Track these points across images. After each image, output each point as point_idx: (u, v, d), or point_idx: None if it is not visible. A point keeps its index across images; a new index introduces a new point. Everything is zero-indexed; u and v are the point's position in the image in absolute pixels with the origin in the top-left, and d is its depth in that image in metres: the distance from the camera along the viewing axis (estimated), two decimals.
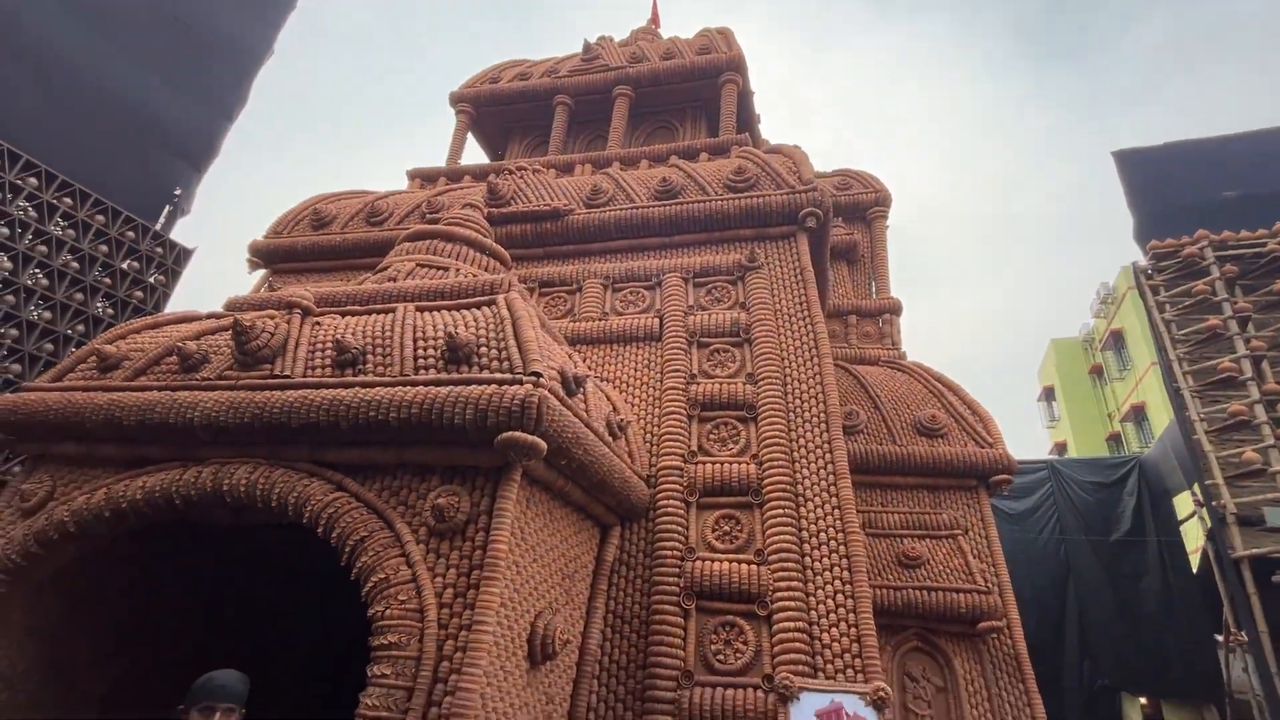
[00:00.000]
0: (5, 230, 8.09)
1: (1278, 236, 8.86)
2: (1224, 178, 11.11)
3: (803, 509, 4.01)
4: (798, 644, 3.51)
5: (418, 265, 4.47)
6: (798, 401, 4.48)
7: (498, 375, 2.96)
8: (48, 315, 8.45)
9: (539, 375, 2.93)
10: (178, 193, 10.75)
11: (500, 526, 2.75)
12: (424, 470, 2.97)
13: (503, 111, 8.15)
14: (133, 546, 3.61)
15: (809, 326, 4.84)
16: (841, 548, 3.84)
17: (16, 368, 7.95)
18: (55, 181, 8.64)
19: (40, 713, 3.25)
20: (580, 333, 5.09)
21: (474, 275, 4.27)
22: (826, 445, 4.26)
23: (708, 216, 5.50)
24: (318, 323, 3.51)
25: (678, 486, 4.17)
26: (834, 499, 4.02)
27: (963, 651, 4.81)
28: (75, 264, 8.74)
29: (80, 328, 8.70)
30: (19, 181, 8.28)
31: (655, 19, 9.78)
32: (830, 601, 3.67)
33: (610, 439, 3.63)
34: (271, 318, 3.48)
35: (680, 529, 4.02)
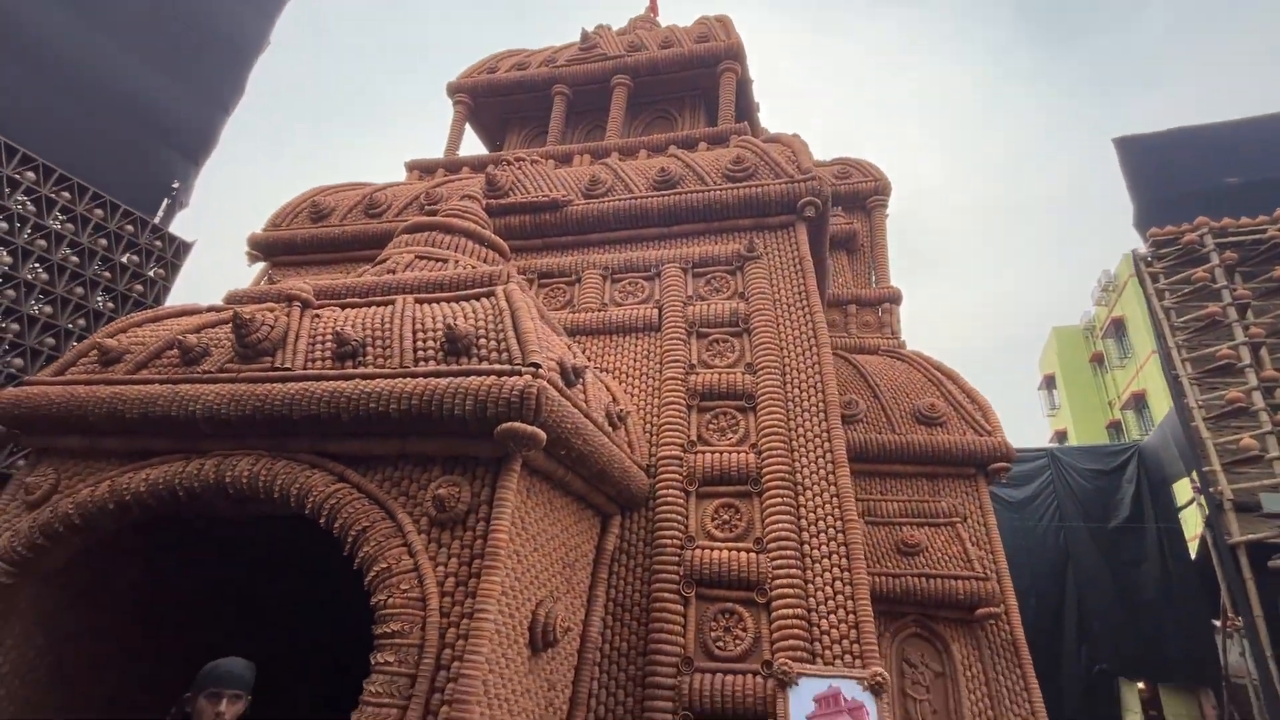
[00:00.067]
0: (4, 225, 8.10)
1: (1278, 223, 8.84)
2: (1226, 164, 11.08)
3: (801, 497, 4.04)
4: (796, 630, 3.55)
5: (416, 257, 4.48)
6: (797, 391, 4.50)
7: (497, 366, 2.98)
8: (48, 310, 8.47)
9: (538, 366, 2.94)
10: (176, 186, 10.74)
11: (501, 516, 2.78)
12: (425, 461, 3.00)
13: (501, 102, 8.13)
14: (138, 540, 3.64)
15: (808, 316, 4.85)
16: (840, 535, 3.87)
17: (19, 362, 7.98)
18: (53, 175, 8.63)
19: (47, 705, 3.30)
20: (579, 324, 5.10)
21: (473, 267, 4.29)
22: (825, 434, 4.28)
23: (706, 206, 5.49)
24: (317, 315, 3.53)
25: (677, 476, 4.20)
26: (832, 487, 4.05)
27: (961, 638, 4.85)
28: (75, 258, 8.74)
29: (81, 322, 8.72)
30: (17, 176, 8.27)
31: (654, 6, 9.71)
32: (829, 589, 3.70)
33: (610, 429, 3.66)
34: (271, 310, 3.49)
35: (680, 518, 4.05)
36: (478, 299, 3.54)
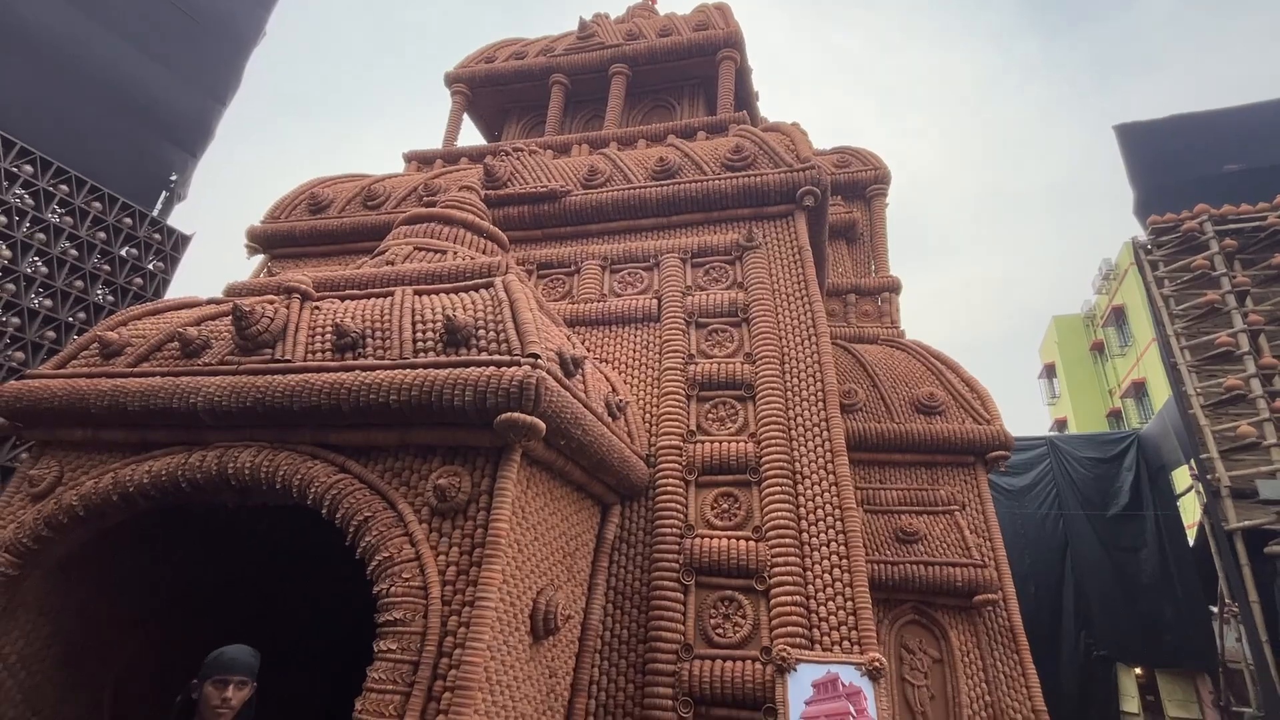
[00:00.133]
0: (3, 219, 8.09)
1: (1279, 209, 8.82)
2: (1227, 150, 11.04)
3: (800, 486, 4.06)
4: (795, 617, 3.58)
5: (415, 249, 4.48)
6: (795, 380, 4.51)
7: (496, 357, 2.99)
8: (49, 303, 8.48)
9: (537, 357, 2.96)
10: (173, 178, 10.71)
11: (501, 506, 2.80)
12: (425, 451, 3.02)
13: (499, 92, 8.09)
14: (145, 530, 3.67)
15: (807, 306, 4.85)
16: (838, 523, 3.90)
17: (20, 355, 7.99)
18: (51, 168, 8.61)
19: (54, 692, 3.34)
20: (579, 315, 5.11)
21: (471, 258, 4.29)
22: (824, 423, 4.30)
23: (705, 196, 5.49)
24: (317, 307, 3.54)
25: (677, 465, 4.22)
26: (831, 476, 4.07)
27: (959, 624, 4.89)
28: (74, 251, 8.74)
29: (81, 315, 8.73)
30: (14, 169, 8.25)
31: None
32: (827, 576, 3.73)
33: (609, 419, 3.67)
34: (271, 303, 3.50)
35: (679, 507, 4.08)
36: (477, 290, 3.55)
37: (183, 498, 3.22)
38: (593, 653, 3.56)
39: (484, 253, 4.71)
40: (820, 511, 3.95)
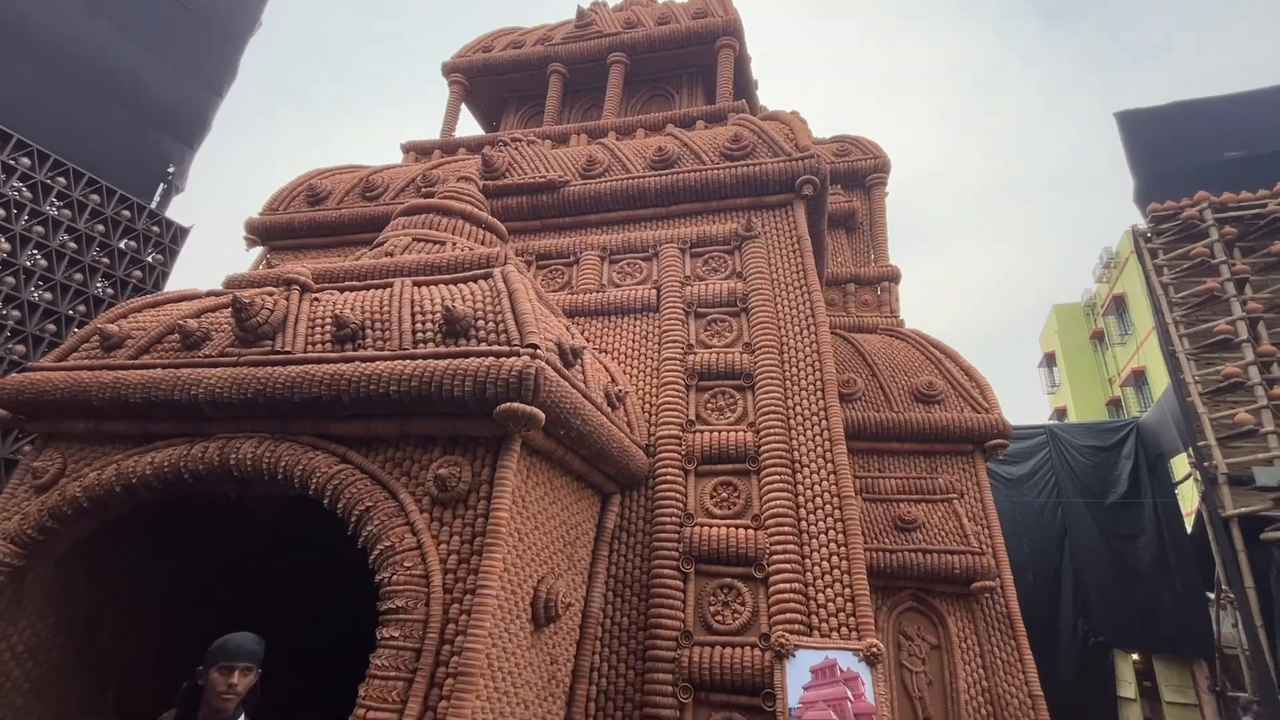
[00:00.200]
0: (1, 211, 8.07)
1: (1279, 197, 8.79)
2: (1228, 138, 10.99)
3: (799, 475, 4.08)
4: (793, 604, 3.62)
5: (414, 240, 4.48)
6: (794, 370, 4.52)
7: (495, 348, 3.01)
8: (48, 296, 8.48)
9: (536, 347, 2.97)
10: (171, 170, 10.68)
11: (501, 495, 2.82)
12: (426, 441, 3.04)
13: (496, 81, 8.05)
14: (148, 521, 3.70)
15: (806, 295, 4.86)
16: (837, 511, 3.92)
17: (21, 348, 8.00)
18: (48, 161, 8.58)
19: (60, 681, 3.38)
20: (578, 305, 5.12)
21: (470, 249, 4.29)
22: (822, 412, 4.32)
23: (704, 186, 5.48)
24: (316, 299, 3.55)
25: (676, 455, 4.25)
26: (829, 465, 4.10)
27: (957, 611, 4.93)
28: (73, 244, 8.73)
29: (81, 308, 8.73)
30: (11, 162, 8.23)
31: None
32: (825, 563, 3.76)
33: (609, 409, 3.69)
34: (270, 294, 3.51)
35: (679, 496, 4.10)
36: (475, 281, 3.55)
37: (185, 489, 3.24)
38: (593, 640, 3.60)
39: (483, 243, 4.71)
40: (819, 500, 3.98)
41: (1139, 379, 19.51)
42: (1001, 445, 5.62)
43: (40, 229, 8.41)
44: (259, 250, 6.52)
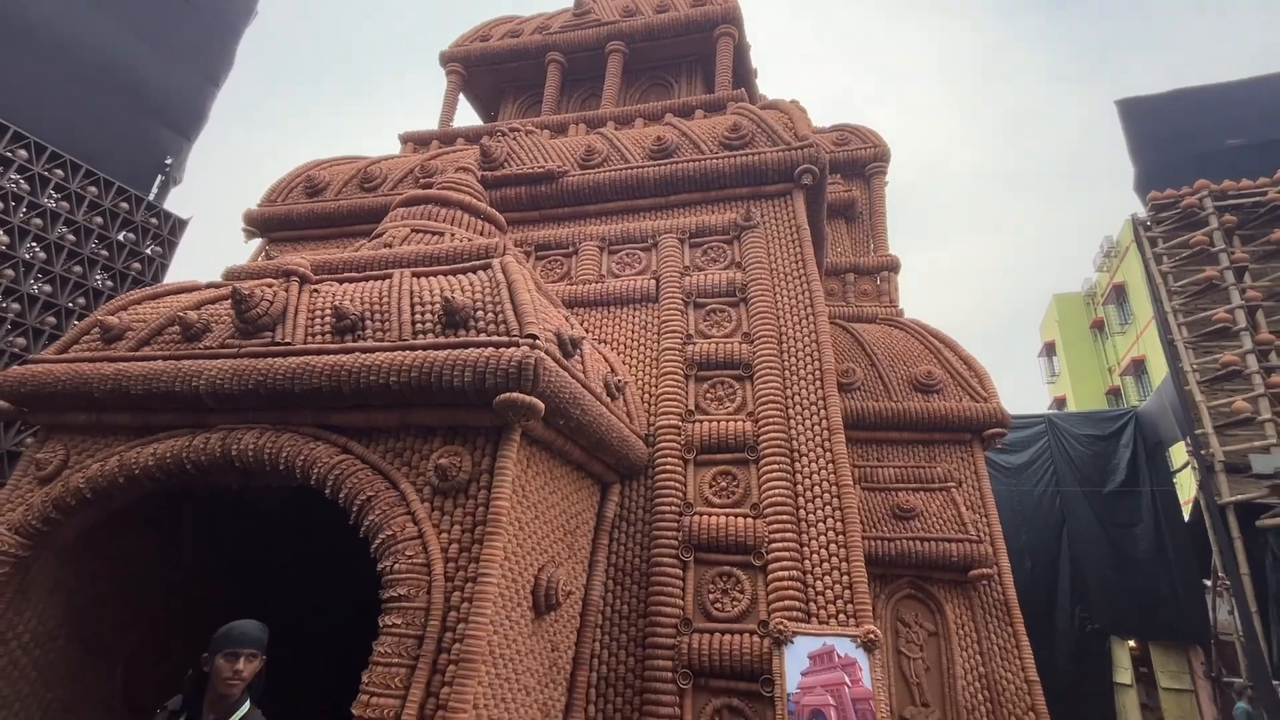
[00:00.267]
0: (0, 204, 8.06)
1: (1279, 185, 8.77)
2: (1229, 125, 10.95)
3: (797, 464, 4.11)
4: (792, 591, 3.65)
5: (413, 231, 4.48)
6: (793, 359, 4.54)
7: (495, 338, 3.02)
8: (48, 289, 8.48)
9: (535, 337, 2.98)
10: (169, 162, 10.65)
11: (501, 484, 2.84)
12: (426, 431, 3.06)
13: (494, 71, 8.01)
14: (151, 513, 3.73)
15: (805, 285, 4.86)
16: (835, 500, 3.95)
17: (21, 341, 8.02)
18: (45, 153, 8.56)
19: (67, 670, 3.42)
20: (577, 296, 5.12)
21: (469, 240, 4.29)
22: (821, 402, 4.33)
23: (703, 175, 5.47)
24: (315, 290, 3.55)
25: (676, 445, 4.27)
26: (828, 454, 4.12)
27: (954, 598, 4.97)
28: (71, 237, 8.72)
29: (81, 300, 8.74)
30: (9, 154, 8.20)
31: None
32: (824, 551, 3.80)
33: (608, 399, 3.71)
34: (270, 286, 3.52)
35: (678, 485, 4.13)
36: (475, 271, 3.56)
37: (187, 480, 3.26)
38: (594, 627, 3.63)
39: (481, 234, 4.71)
40: (817, 489, 4.00)
41: (1139, 368, 19.54)
42: (1000, 434, 5.65)
43: (39, 221, 8.40)
44: (258, 242, 6.52)
